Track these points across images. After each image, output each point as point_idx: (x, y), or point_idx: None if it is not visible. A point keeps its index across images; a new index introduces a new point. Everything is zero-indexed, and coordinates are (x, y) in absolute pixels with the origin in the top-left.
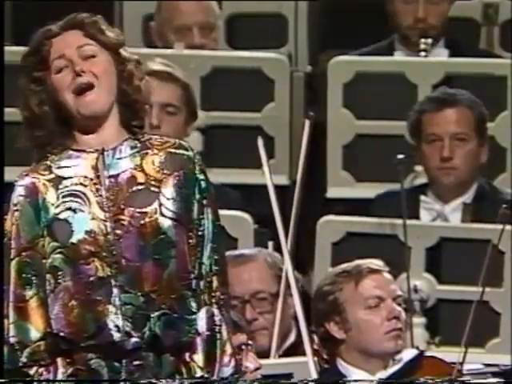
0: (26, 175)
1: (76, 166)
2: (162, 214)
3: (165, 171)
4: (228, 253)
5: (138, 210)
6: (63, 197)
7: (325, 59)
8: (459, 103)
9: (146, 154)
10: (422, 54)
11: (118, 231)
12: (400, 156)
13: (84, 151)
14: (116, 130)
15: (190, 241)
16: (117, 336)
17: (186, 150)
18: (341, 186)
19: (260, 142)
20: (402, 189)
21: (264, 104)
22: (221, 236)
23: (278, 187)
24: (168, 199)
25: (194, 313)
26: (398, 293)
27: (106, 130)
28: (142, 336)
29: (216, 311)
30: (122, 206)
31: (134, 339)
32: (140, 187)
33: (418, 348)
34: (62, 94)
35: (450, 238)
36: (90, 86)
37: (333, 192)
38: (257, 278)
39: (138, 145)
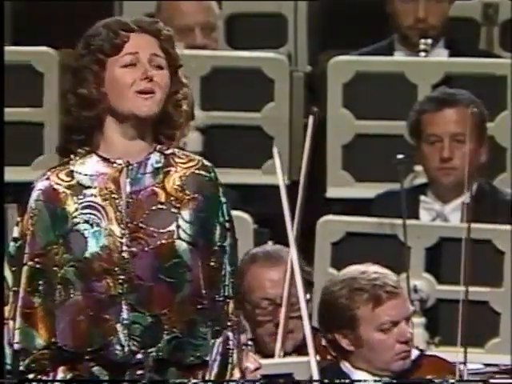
0: (47, 179)
1: (98, 176)
2: (179, 237)
3: (186, 191)
4: (254, 250)
5: (156, 229)
6: (82, 208)
7: (324, 59)
8: (459, 103)
9: (169, 171)
10: (422, 54)
11: (134, 249)
12: (400, 156)
13: (108, 160)
14: (145, 143)
15: (212, 264)
16: (120, 355)
17: (208, 171)
18: (340, 186)
19: (275, 151)
20: (401, 189)
21: (264, 104)
22: (237, 259)
23: (276, 187)
24: (186, 222)
25: (203, 338)
26: (410, 312)
27: (136, 141)
28: (147, 355)
29: (231, 335)
30: (140, 224)
31: (138, 356)
32: (160, 206)
33: (418, 348)
34: (122, 88)
35: (449, 237)
36: (151, 93)
37: (332, 192)
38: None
39: (163, 160)
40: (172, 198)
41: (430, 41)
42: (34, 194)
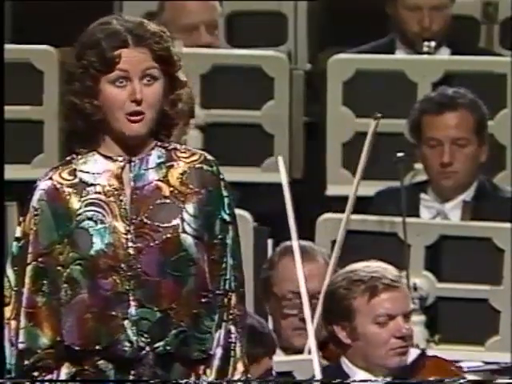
0: (50, 178)
1: (101, 174)
2: (184, 231)
3: (189, 186)
4: (288, 243)
5: (161, 224)
6: (86, 205)
7: (324, 57)
8: (460, 106)
9: (172, 166)
10: (425, 56)
11: (139, 245)
12: (399, 154)
13: (110, 158)
14: (145, 141)
15: (212, 257)
16: (129, 352)
17: (211, 165)
18: (340, 184)
19: (280, 161)
20: (401, 186)
21: (264, 102)
22: (240, 253)
23: (276, 185)
24: (190, 216)
25: (208, 332)
26: (409, 308)
27: (135, 140)
28: (154, 350)
29: (233, 328)
30: (145, 220)
31: (144, 351)
32: (164, 200)
33: (418, 346)
34: (112, 108)
35: (449, 235)
36: (141, 114)
37: (332, 190)
38: (318, 278)
39: (164, 155)
40: (176, 192)
41: (433, 43)
42: (37, 194)
